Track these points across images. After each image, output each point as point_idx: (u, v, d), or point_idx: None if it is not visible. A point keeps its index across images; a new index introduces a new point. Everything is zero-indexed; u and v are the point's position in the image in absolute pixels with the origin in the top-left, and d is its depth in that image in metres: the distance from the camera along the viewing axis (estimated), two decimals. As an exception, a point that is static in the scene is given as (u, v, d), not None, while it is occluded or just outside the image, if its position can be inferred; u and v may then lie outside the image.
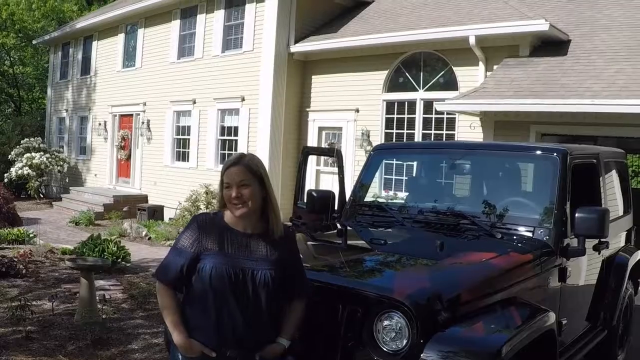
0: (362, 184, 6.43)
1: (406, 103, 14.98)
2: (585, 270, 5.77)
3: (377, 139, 15.21)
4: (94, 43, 24.22)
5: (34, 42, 30.39)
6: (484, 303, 4.08)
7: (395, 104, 15.19)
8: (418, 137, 14.59)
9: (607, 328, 6.27)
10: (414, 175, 7.95)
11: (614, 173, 6.95)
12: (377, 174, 7.36)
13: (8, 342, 6.63)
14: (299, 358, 3.90)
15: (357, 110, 15.75)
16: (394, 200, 8.65)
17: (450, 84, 14.20)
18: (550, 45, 13.10)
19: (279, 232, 3.43)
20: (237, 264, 3.32)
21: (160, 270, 3.45)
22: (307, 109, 17.05)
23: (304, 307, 3.63)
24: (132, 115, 22.04)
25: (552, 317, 4.30)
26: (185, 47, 19.69)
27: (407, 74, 15.08)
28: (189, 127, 19.39)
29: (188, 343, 3.32)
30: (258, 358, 3.39)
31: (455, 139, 13.71)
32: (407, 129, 14.92)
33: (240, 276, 3.30)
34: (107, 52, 23.51)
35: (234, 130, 17.79)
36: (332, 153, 7.90)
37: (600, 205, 5.90)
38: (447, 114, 13.88)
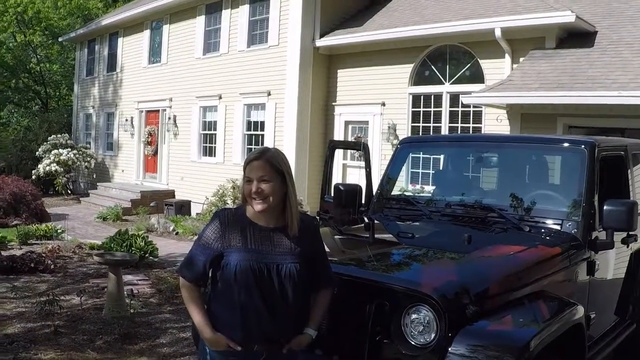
0: (389, 178, 6.42)
1: (432, 96, 14.90)
2: (613, 263, 5.71)
3: (404, 132, 15.14)
4: (120, 39, 24.38)
5: (60, 39, 30.65)
6: (512, 296, 4.07)
7: (422, 97, 15.12)
8: (445, 131, 14.51)
9: (636, 322, 6.21)
10: (440, 168, 7.91)
11: (642, 165, 6.88)
12: (404, 168, 7.31)
13: (37, 336, 6.72)
14: (327, 352, 3.92)
15: (383, 104, 15.70)
16: (421, 194, 8.61)
17: (477, 76, 14.11)
18: (576, 36, 12.97)
19: (293, 230, 3.36)
20: (261, 259, 3.28)
21: (184, 267, 3.44)
22: (333, 103, 17.01)
23: (330, 297, 3.59)
24: (158, 111, 22.18)
25: (580, 310, 4.28)
26: (211, 43, 19.75)
27: (433, 67, 15.01)
28: (215, 122, 19.46)
29: (215, 337, 3.32)
30: (285, 351, 3.36)
31: (482, 131, 13.64)
32: (433, 122, 14.85)
33: (265, 271, 3.27)
34: (132, 48, 23.68)
35: (260, 125, 17.82)
36: (359, 147, 7.90)
37: (628, 197, 5.84)
38: (474, 106, 13.79)
